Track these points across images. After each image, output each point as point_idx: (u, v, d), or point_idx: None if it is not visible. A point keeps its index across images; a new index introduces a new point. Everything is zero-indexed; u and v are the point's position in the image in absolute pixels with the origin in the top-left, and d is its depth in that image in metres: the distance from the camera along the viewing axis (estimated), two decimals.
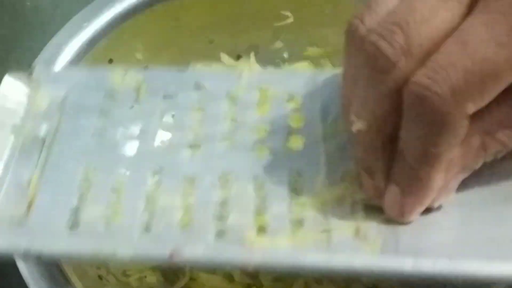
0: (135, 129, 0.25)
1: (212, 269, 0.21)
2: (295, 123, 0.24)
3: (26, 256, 0.22)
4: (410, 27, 0.18)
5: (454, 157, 0.20)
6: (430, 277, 0.20)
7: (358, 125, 0.20)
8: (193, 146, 0.24)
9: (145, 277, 0.36)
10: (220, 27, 0.39)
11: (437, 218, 0.21)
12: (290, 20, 0.38)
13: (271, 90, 0.26)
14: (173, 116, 0.25)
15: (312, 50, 0.39)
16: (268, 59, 0.40)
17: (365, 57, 0.19)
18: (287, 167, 0.23)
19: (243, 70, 0.27)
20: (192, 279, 0.36)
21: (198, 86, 0.26)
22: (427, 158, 0.19)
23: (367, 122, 0.20)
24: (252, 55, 0.40)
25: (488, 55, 0.17)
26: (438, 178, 0.20)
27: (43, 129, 0.25)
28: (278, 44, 0.40)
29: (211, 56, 0.40)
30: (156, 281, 0.37)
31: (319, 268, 0.20)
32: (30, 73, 0.27)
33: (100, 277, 0.33)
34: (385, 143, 0.20)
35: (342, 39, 0.38)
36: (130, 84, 0.26)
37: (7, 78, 0.26)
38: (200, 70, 0.28)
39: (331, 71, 0.26)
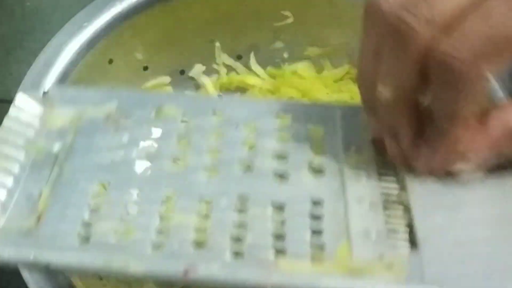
0: (151, 149, 0.24)
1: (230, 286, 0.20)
2: (315, 153, 0.24)
3: (34, 266, 0.22)
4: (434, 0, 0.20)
5: (480, 131, 0.22)
6: None
7: (386, 94, 0.21)
8: (210, 169, 0.24)
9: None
10: (220, 27, 0.39)
11: (464, 250, 0.21)
12: (290, 20, 0.38)
13: (290, 119, 0.25)
14: (190, 139, 0.25)
15: (312, 50, 0.39)
16: (268, 59, 0.40)
17: (389, 29, 0.20)
18: (307, 195, 0.22)
19: (260, 98, 0.26)
20: None
21: (215, 112, 0.26)
22: (452, 116, 0.21)
23: (394, 90, 0.21)
24: (252, 55, 0.40)
25: (507, 23, 0.19)
26: (462, 135, 0.21)
27: (56, 147, 0.25)
28: (278, 44, 0.40)
29: (211, 56, 0.40)
30: (156, 281, 0.37)
31: None
32: (45, 92, 0.27)
33: (100, 277, 0.33)
34: (411, 109, 0.22)
35: (341, 40, 0.39)
36: (147, 106, 0.26)
37: (20, 95, 0.26)
38: (218, 98, 0.28)
39: (350, 104, 0.26)
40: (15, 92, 0.33)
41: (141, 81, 0.39)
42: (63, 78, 0.34)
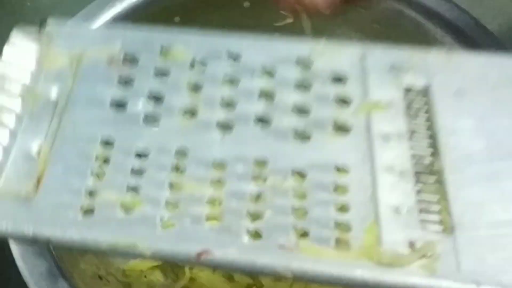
0: (159, 101, 0.22)
1: (246, 272, 0.19)
2: (340, 109, 0.22)
3: (34, 241, 0.20)
4: None
5: None
6: None
7: None
8: (224, 126, 0.21)
9: (145, 277, 0.36)
10: (220, 27, 0.39)
11: (505, 232, 0.19)
12: (290, 20, 0.38)
13: (315, 66, 0.22)
14: (202, 89, 0.22)
15: None
16: None
17: None
18: (332, 161, 0.20)
19: (280, 39, 0.23)
20: (192, 279, 0.36)
21: (231, 55, 0.23)
22: None
23: None
24: None
25: None
26: None
27: (54, 92, 0.22)
28: None
29: None
30: (156, 281, 0.37)
31: (367, 283, 0.18)
32: (42, 28, 0.24)
33: (100, 277, 0.33)
34: None
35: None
36: (154, 47, 0.23)
37: (15, 33, 0.23)
38: (232, 38, 0.24)
39: (383, 48, 0.23)
40: None
41: None
42: None
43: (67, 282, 0.29)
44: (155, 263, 0.36)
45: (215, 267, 0.19)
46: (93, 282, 0.32)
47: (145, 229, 0.19)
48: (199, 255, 0.18)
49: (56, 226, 0.19)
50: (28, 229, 0.19)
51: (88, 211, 0.20)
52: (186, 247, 0.19)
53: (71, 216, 0.19)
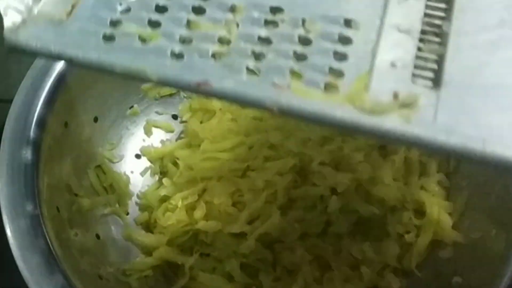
0: None
1: (238, 104, 0.21)
2: None
3: (58, 58, 0.22)
4: None
5: None
6: (458, 157, 0.19)
7: None
8: None
9: (145, 276, 0.36)
10: None
11: (489, 97, 0.19)
12: None
13: None
14: None
15: None
16: None
17: None
18: (342, 13, 0.21)
19: None
20: (192, 279, 0.36)
21: None
22: None
23: None
24: None
25: None
26: None
27: None
28: None
29: None
30: (156, 281, 0.37)
31: (345, 125, 0.19)
32: None
33: (100, 277, 0.33)
34: None
35: None
36: None
37: None
38: None
39: None
40: (15, 92, 0.33)
41: None
42: (63, 78, 0.34)
43: (67, 282, 0.29)
44: (155, 263, 0.36)
45: (211, 96, 0.21)
46: (93, 282, 0.32)
47: (156, 58, 0.21)
48: (198, 84, 0.20)
49: (80, 48, 0.21)
50: (55, 48, 0.21)
51: (110, 38, 0.21)
52: (189, 77, 0.20)
53: (94, 41, 0.21)
